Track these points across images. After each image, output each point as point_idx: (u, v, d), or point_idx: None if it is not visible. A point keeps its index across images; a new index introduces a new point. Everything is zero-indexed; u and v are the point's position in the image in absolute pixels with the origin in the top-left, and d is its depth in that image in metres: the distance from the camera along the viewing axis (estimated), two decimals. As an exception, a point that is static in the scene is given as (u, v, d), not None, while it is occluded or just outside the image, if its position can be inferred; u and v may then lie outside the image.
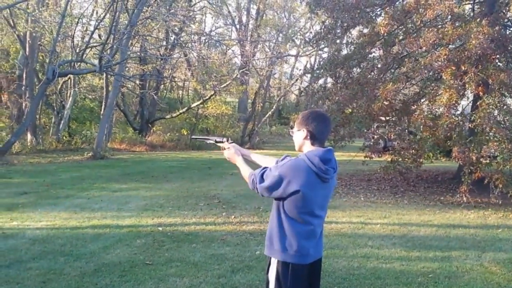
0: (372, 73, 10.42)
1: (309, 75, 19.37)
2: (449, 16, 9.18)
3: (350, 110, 10.47)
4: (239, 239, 5.74)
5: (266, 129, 28.82)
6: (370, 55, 10.91)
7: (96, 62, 13.54)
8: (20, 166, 12.41)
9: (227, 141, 2.87)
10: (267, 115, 26.19)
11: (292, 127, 2.54)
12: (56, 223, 6.28)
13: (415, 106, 9.76)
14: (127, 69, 19.51)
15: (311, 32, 22.17)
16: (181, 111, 23.36)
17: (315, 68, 13.08)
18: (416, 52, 8.99)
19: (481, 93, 8.25)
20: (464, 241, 6.03)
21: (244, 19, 26.89)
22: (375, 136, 11.30)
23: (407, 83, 10.29)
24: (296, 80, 29.67)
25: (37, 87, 16.05)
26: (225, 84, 21.83)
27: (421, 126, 9.35)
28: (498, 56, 9.28)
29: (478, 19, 8.50)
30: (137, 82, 21.21)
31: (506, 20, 10.21)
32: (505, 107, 8.80)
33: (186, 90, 30.68)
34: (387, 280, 4.43)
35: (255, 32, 24.85)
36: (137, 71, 20.62)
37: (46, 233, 5.76)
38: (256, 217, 7.07)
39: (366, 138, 11.83)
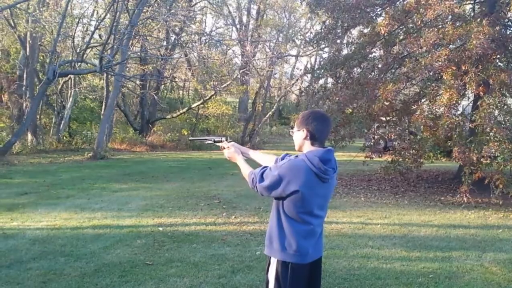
0: (373, 73, 10.42)
1: (309, 75, 19.35)
2: (450, 16, 9.18)
3: (350, 110, 10.47)
4: (239, 239, 5.74)
5: (266, 129, 28.81)
6: (370, 55, 10.90)
7: (96, 62, 13.54)
8: (20, 166, 12.42)
9: (226, 140, 2.87)
10: (267, 115, 26.19)
11: (292, 127, 2.54)
12: (57, 223, 6.29)
13: (416, 106, 9.75)
14: (127, 69, 19.52)
15: (311, 32, 22.15)
16: (181, 111, 23.37)
17: (315, 68, 13.05)
18: (417, 52, 8.97)
19: (481, 93, 8.24)
20: (464, 241, 6.03)
21: (244, 19, 26.89)
22: (376, 136, 11.30)
23: (407, 83, 10.28)
24: (297, 80, 29.62)
25: (37, 87, 16.04)
26: (225, 84, 21.82)
27: (422, 126, 9.35)
28: (498, 56, 9.27)
29: (479, 19, 8.49)
30: (138, 82, 21.21)
31: (506, 20, 10.20)
32: (505, 107, 8.80)
33: (186, 90, 30.69)
34: (388, 281, 4.42)
35: (255, 32, 24.84)
36: (137, 71, 20.62)
37: (47, 233, 5.77)
38: (257, 217, 7.07)
39: (367, 138, 11.83)
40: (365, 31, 10.89)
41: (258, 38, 24.56)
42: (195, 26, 21.98)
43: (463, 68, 8.28)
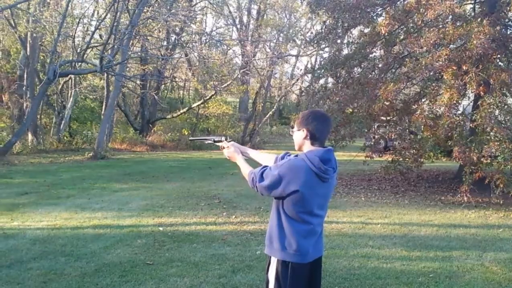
0: (373, 73, 10.42)
1: (310, 75, 19.34)
2: (450, 16, 9.18)
3: (350, 110, 10.46)
4: (239, 239, 5.74)
5: (267, 129, 28.82)
6: (371, 55, 10.90)
7: (97, 62, 13.54)
8: (21, 166, 12.43)
9: (226, 140, 2.87)
10: (268, 115, 26.18)
11: (292, 127, 2.54)
12: (57, 223, 6.29)
13: (416, 106, 9.75)
14: (128, 69, 19.53)
15: (312, 32, 22.19)
16: (182, 111, 23.38)
17: (316, 68, 13.05)
18: (417, 52, 8.96)
19: (482, 93, 8.23)
20: (465, 240, 6.02)
21: (245, 19, 26.89)
22: (376, 136, 11.31)
23: (408, 83, 10.27)
24: (297, 80, 29.60)
25: (38, 87, 16.07)
26: (226, 84, 21.83)
27: (422, 126, 9.35)
28: (499, 56, 9.27)
29: (479, 19, 8.48)
30: (138, 82, 21.22)
31: (507, 19, 10.19)
32: (506, 107, 8.80)
33: (187, 90, 30.71)
34: (388, 280, 4.42)
35: (255, 32, 24.84)
36: (138, 71, 20.63)
37: (47, 233, 5.77)
38: (257, 217, 7.07)
39: (367, 138, 11.83)
40: (366, 31, 10.88)
41: (259, 38, 24.55)
42: (195, 26, 21.98)
43: (464, 68, 8.28)
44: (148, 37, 18.34)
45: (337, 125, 9.73)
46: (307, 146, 2.45)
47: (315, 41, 12.22)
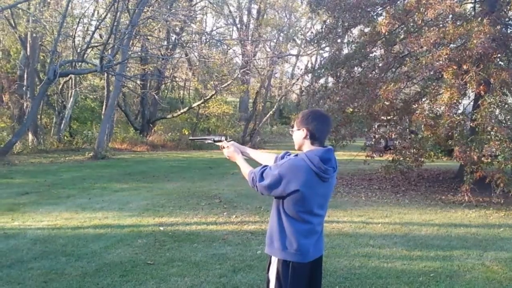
0: (373, 73, 10.41)
1: (310, 75, 19.34)
2: (450, 15, 9.17)
3: (351, 110, 10.46)
4: (240, 239, 5.74)
5: (267, 129, 28.82)
6: (371, 55, 10.90)
7: (97, 62, 13.55)
8: (21, 166, 12.43)
9: (226, 139, 2.87)
10: (268, 115, 26.18)
11: (292, 126, 2.54)
12: (58, 223, 6.29)
13: (416, 105, 9.74)
14: (128, 69, 19.54)
15: (312, 32, 22.19)
16: (182, 111, 23.38)
17: (316, 68, 13.07)
18: (417, 51, 8.97)
19: (482, 92, 8.23)
20: (465, 240, 6.02)
21: (245, 18, 26.92)
22: (376, 136, 11.29)
23: (408, 83, 10.28)
24: (297, 79, 29.61)
25: (38, 87, 16.07)
26: (226, 84, 21.83)
27: (422, 125, 9.34)
28: (499, 55, 9.26)
29: (479, 18, 8.47)
30: (138, 82, 21.23)
31: (507, 19, 10.18)
32: (506, 106, 8.79)
33: (187, 90, 30.69)
34: (389, 280, 4.42)
35: (256, 31, 24.83)
36: (138, 71, 20.64)
37: (48, 233, 5.77)
38: (257, 216, 7.07)
39: (367, 138, 11.81)
40: (366, 30, 10.88)
41: (259, 37, 24.55)
42: (195, 25, 22.00)
43: (464, 67, 8.27)
44: (148, 37, 18.35)
45: (337, 125, 9.73)
46: (307, 146, 2.44)
47: (315, 41, 12.21)
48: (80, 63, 14.91)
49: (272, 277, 2.43)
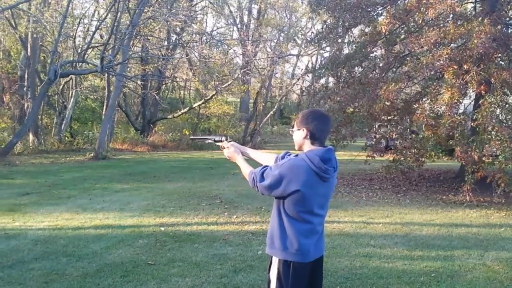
0: (374, 73, 10.41)
1: (310, 75, 19.35)
2: (451, 15, 9.16)
3: (351, 110, 10.45)
4: (241, 239, 5.74)
5: (267, 129, 28.82)
6: (371, 55, 10.89)
7: (97, 62, 13.56)
8: (22, 167, 12.44)
9: (226, 140, 2.87)
10: (268, 115, 26.19)
11: (293, 126, 2.54)
12: (58, 224, 6.29)
13: (417, 105, 9.73)
14: (128, 69, 19.54)
15: (312, 32, 22.21)
16: (182, 111, 23.39)
17: (316, 68, 13.07)
18: (418, 51, 8.96)
19: (483, 92, 8.23)
20: (466, 240, 6.02)
21: (245, 18, 26.94)
22: (377, 136, 11.29)
23: (408, 82, 10.27)
24: (298, 79, 29.59)
25: (39, 87, 16.08)
26: (226, 84, 21.84)
27: (423, 125, 9.33)
28: (500, 55, 9.26)
29: (480, 18, 8.47)
30: (139, 82, 21.24)
31: (508, 18, 10.18)
32: (507, 105, 8.79)
33: (187, 90, 30.71)
34: (390, 280, 4.42)
35: (256, 31, 24.84)
36: (138, 71, 20.65)
37: (48, 234, 5.77)
38: (258, 216, 7.07)
39: (368, 138, 11.81)
40: (366, 30, 10.88)
41: (259, 37, 24.56)
42: (196, 26, 22.00)
43: (465, 67, 8.27)
44: (149, 37, 18.36)
45: (338, 125, 9.73)
46: (307, 146, 2.44)
47: (316, 41, 12.21)
48: (80, 64, 14.93)
49: (273, 277, 2.43)
